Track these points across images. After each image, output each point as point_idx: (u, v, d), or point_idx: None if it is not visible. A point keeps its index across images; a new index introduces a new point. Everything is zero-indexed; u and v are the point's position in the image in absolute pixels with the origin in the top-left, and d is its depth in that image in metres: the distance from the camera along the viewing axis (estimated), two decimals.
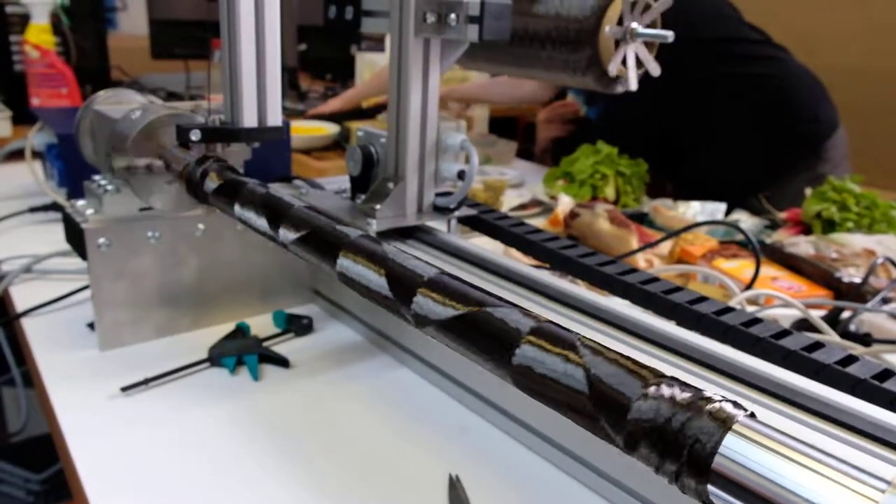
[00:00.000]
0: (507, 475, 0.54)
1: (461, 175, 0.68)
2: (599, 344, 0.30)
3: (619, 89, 0.66)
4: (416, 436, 0.58)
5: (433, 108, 0.66)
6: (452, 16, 0.59)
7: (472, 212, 0.73)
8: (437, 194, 0.71)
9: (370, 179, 0.70)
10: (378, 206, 0.66)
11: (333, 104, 1.68)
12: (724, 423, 0.25)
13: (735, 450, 0.25)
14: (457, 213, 0.71)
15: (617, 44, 0.62)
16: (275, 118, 0.64)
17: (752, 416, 0.26)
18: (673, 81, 0.64)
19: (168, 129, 0.63)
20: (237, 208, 0.52)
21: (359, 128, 0.72)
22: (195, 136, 0.59)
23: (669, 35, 0.62)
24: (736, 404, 0.27)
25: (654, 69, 0.64)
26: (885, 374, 0.45)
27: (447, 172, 0.69)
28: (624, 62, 0.63)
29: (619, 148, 1.28)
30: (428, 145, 0.67)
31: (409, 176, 0.67)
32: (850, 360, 0.47)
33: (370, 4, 0.66)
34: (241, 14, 0.60)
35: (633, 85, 0.64)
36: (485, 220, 0.73)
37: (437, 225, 0.72)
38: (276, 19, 0.62)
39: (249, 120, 0.63)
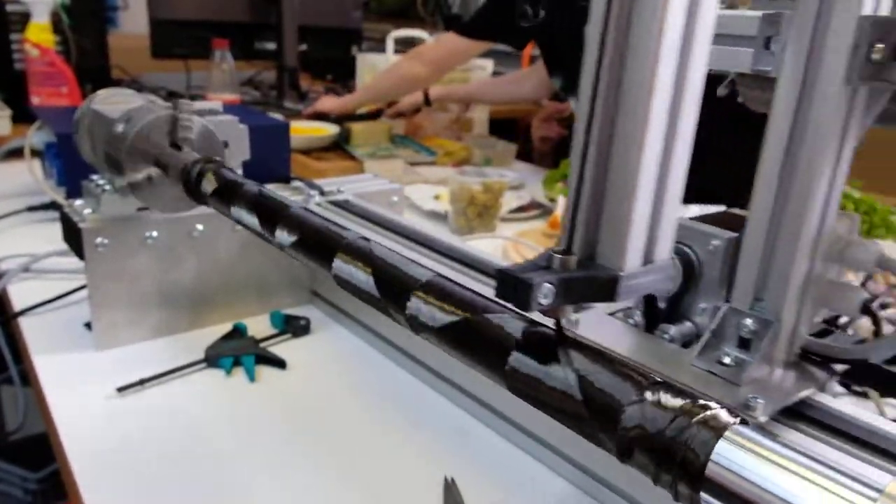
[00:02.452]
0: (501, 478, 0.54)
1: (866, 309, 0.42)
2: (593, 349, 0.30)
3: None
4: (412, 438, 0.58)
5: (836, 198, 0.41)
6: None
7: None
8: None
9: (681, 302, 0.47)
10: (745, 364, 0.41)
11: (330, 105, 1.68)
12: (717, 431, 0.25)
13: (728, 457, 0.25)
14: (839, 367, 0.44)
15: None
16: (665, 249, 0.37)
17: (745, 422, 0.26)
18: None
19: (162, 131, 0.63)
20: (234, 210, 0.52)
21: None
22: (545, 297, 0.31)
23: None
24: (729, 411, 0.27)
25: None
26: None
27: (843, 301, 0.42)
28: None
29: None
30: (819, 258, 0.41)
31: (788, 309, 0.41)
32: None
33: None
34: (655, 83, 0.31)
35: None
36: (884, 372, 0.44)
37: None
38: (703, 77, 0.34)
39: (633, 260, 0.35)
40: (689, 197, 1.22)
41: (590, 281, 0.32)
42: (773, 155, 0.40)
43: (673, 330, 0.46)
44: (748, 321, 0.41)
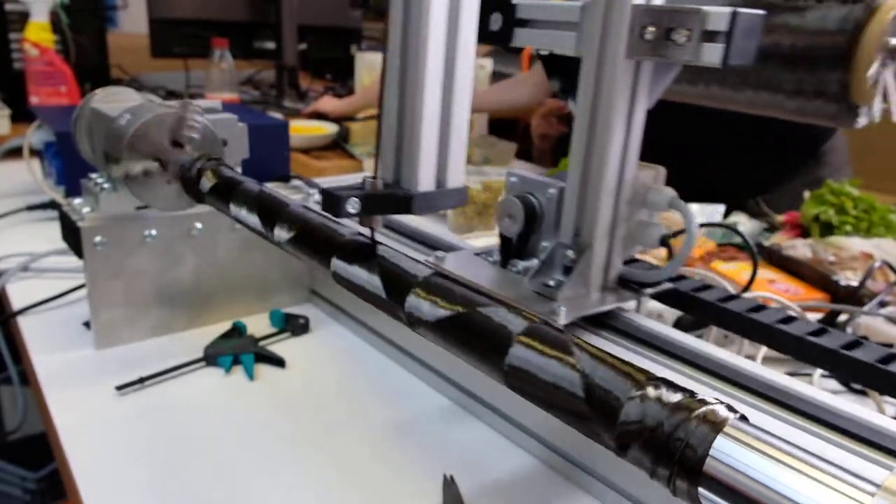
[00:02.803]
0: (501, 475, 0.54)
1: (664, 242, 0.54)
2: (591, 345, 0.30)
3: (862, 122, 0.56)
4: (411, 436, 0.58)
5: (634, 154, 0.52)
6: (683, 31, 0.44)
7: (669, 286, 0.57)
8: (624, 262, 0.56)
9: (528, 241, 0.57)
10: (557, 283, 0.52)
11: (329, 107, 1.68)
12: (716, 426, 0.25)
13: (727, 452, 0.25)
14: (651, 290, 0.56)
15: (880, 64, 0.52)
16: (457, 178, 0.47)
17: (744, 418, 0.26)
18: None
19: (164, 128, 0.63)
20: (233, 207, 0.52)
21: (510, 172, 0.57)
22: (353, 206, 0.42)
23: None
24: (728, 407, 0.27)
25: None
26: (890, 358, 0.45)
27: (645, 237, 0.54)
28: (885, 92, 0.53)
29: None
30: (624, 200, 0.52)
31: (598, 242, 0.52)
32: (856, 344, 0.46)
33: (528, 12, 0.52)
34: (430, 44, 0.42)
35: None
36: (688, 296, 0.56)
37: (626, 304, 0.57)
38: (472, 47, 0.44)
39: (426, 183, 0.45)
40: (691, 195, 1.22)
41: (390, 197, 0.43)
42: (581, 118, 0.50)
43: (521, 264, 0.57)
44: (569, 252, 0.52)
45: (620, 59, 0.47)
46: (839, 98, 0.54)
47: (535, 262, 0.55)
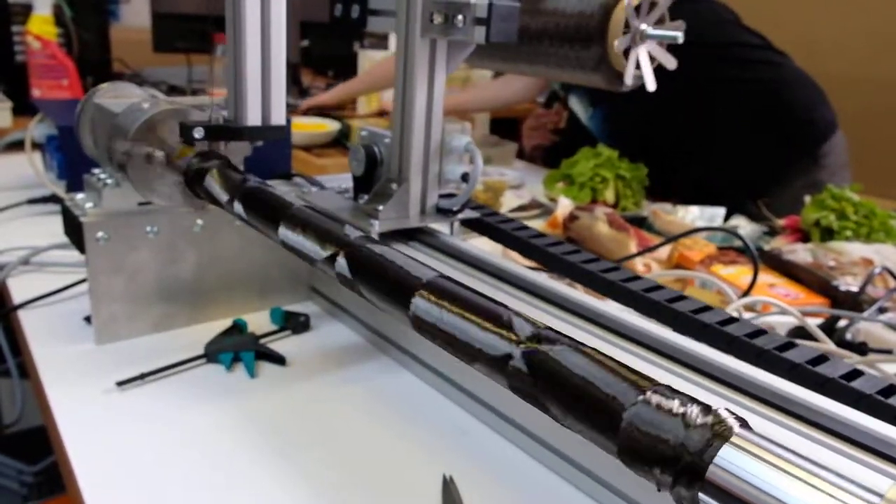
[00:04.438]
0: (500, 477, 0.54)
1: (465, 177, 0.68)
2: (595, 349, 0.30)
3: (627, 87, 0.66)
4: (411, 436, 0.58)
5: (438, 110, 0.65)
6: (459, 17, 0.58)
7: (475, 214, 0.72)
8: (441, 196, 0.69)
9: (373, 180, 0.69)
10: (381, 207, 0.64)
11: (325, 97, 1.68)
12: (721, 434, 0.25)
13: (731, 461, 0.25)
14: (460, 216, 0.70)
15: (626, 42, 0.63)
16: (279, 117, 0.65)
17: (748, 426, 0.26)
18: (672, 86, 0.63)
19: (169, 124, 0.63)
20: (236, 206, 0.52)
21: (362, 127, 0.70)
22: (198, 133, 0.59)
23: (679, 35, 0.62)
24: (732, 414, 0.27)
25: (669, 63, 0.64)
26: (890, 390, 0.45)
27: (451, 174, 0.68)
28: (637, 63, 0.63)
29: (619, 152, 1.28)
30: (432, 147, 0.66)
31: (413, 177, 0.66)
32: (855, 374, 0.47)
33: (377, 3, 0.65)
34: (247, 11, 0.61)
35: (651, 84, 0.64)
36: (487, 223, 0.72)
37: (440, 227, 0.70)
38: (282, 17, 0.63)
39: (253, 118, 0.64)
40: (695, 189, 1.22)
41: (226, 128, 0.63)
42: (398, 83, 0.64)
43: (366, 197, 0.68)
44: (393, 185, 0.65)
45: (418, 37, 0.61)
46: (598, 70, 0.65)
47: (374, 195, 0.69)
